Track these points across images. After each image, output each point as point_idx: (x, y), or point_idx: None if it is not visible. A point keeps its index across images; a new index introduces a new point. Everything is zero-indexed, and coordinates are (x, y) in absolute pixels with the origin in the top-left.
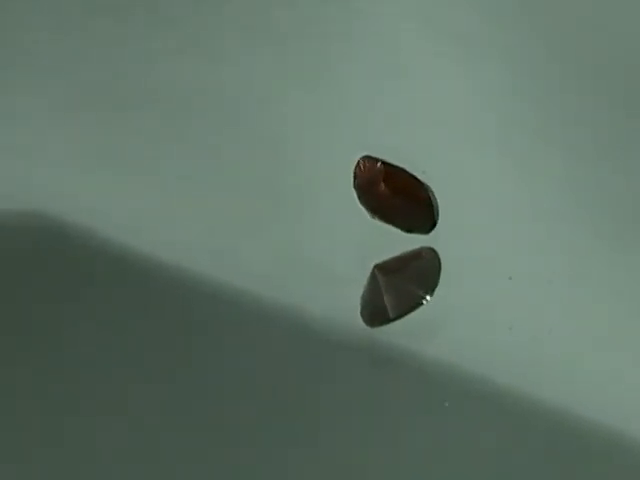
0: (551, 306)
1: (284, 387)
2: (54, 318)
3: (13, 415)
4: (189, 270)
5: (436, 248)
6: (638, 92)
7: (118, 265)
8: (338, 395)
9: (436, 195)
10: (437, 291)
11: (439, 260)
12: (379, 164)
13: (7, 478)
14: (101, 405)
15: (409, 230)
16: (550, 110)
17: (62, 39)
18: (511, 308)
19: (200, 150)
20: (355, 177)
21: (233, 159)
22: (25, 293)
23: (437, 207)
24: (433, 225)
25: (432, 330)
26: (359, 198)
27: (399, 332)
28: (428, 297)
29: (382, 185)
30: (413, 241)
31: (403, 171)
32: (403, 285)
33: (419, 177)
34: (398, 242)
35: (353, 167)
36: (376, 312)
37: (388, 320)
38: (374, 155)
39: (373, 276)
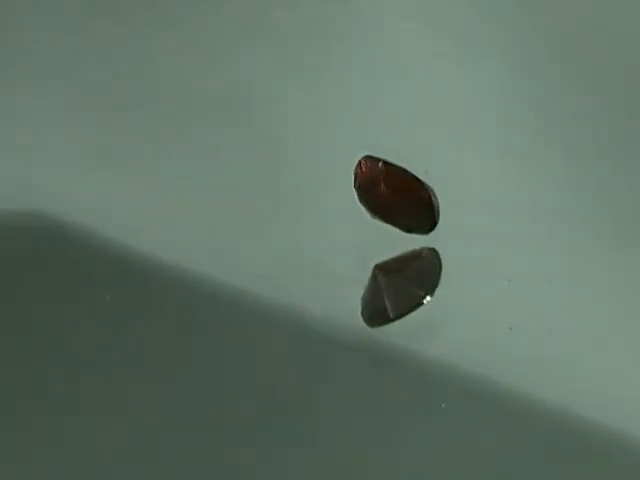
0: (551, 306)
1: (284, 387)
2: (54, 318)
3: (13, 415)
4: (189, 270)
5: (436, 248)
6: (638, 92)
7: (118, 265)
8: (338, 395)
9: (436, 195)
10: (437, 291)
11: (440, 260)
12: (380, 164)
13: (7, 478)
14: (101, 405)
15: (409, 230)
16: (550, 110)
17: (62, 39)
18: (511, 308)
19: (200, 150)
20: (356, 177)
21: (233, 159)
22: (25, 293)
23: (438, 207)
24: (433, 225)
25: (432, 330)
26: (359, 198)
27: (399, 332)
28: (428, 297)
29: (383, 185)
30: (413, 241)
31: (404, 171)
32: (403, 285)
33: (420, 177)
34: (398, 242)
35: (353, 167)
36: (376, 312)
37: (388, 320)
38: (374, 155)
39: (373, 276)
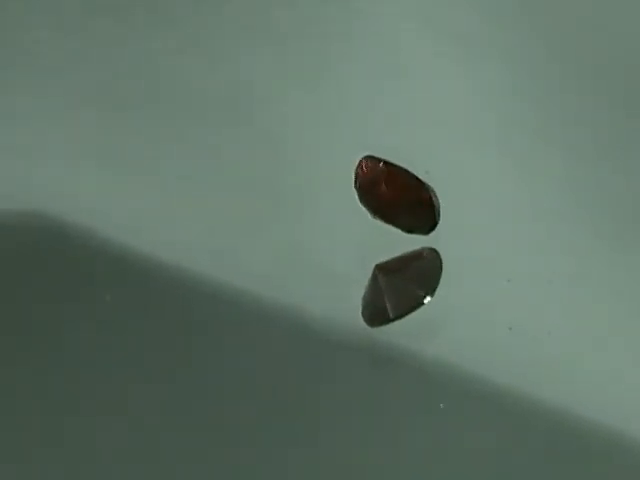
0: (551, 306)
1: (284, 387)
2: (54, 318)
3: (13, 415)
4: (189, 270)
5: (436, 248)
6: (638, 92)
7: (118, 265)
8: (338, 395)
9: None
10: (437, 291)
11: (440, 260)
12: (381, 164)
13: (7, 478)
14: (101, 405)
15: (409, 231)
16: (550, 110)
17: (62, 39)
18: (511, 308)
19: (200, 150)
20: (356, 177)
21: (233, 159)
22: (25, 293)
23: (438, 208)
24: (434, 226)
25: (432, 330)
26: (360, 198)
27: (399, 332)
28: (429, 298)
29: (383, 185)
30: (414, 241)
31: (405, 171)
32: (404, 285)
33: (421, 178)
34: (399, 242)
35: (353, 167)
36: (376, 312)
37: (388, 320)
38: (374, 155)
39: (374, 276)
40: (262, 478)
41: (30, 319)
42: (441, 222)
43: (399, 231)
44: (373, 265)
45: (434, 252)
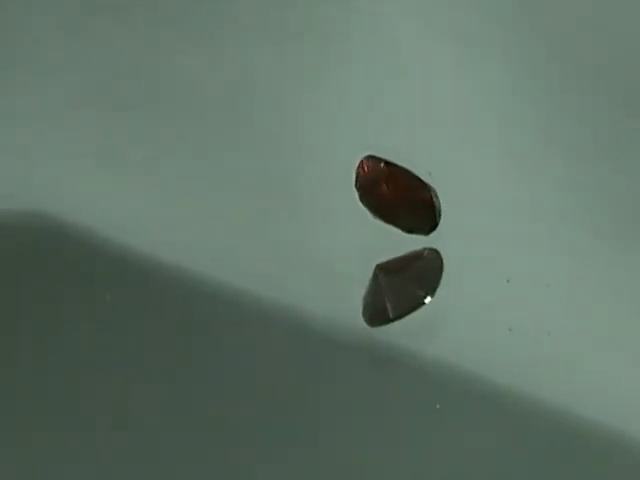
0: (551, 306)
1: (284, 387)
2: (54, 318)
3: (13, 415)
4: (189, 270)
5: (437, 248)
6: (638, 92)
7: (118, 265)
8: (338, 395)
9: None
10: (437, 291)
11: (441, 261)
12: (382, 164)
13: (7, 478)
14: (101, 405)
15: (410, 231)
16: (550, 110)
17: (62, 39)
18: (511, 308)
19: (200, 150)
20: (357, 177)
21: (233, 159)
22: (25, 293)
23: (439, 209)
24: (434, 226)
25: (432, 330)
26: (361, 198)
27: (399, 332)
28: (429, 298)
29: (384, 185)
30: (415, 241)
31: (406, 171)
32: (404, 285)
33: (423, 178)
34: (400, 242)
35: (354, 167)
36: (377, 312)
37: (388, 320)
38: (375, 155)
39: (374, 276)
40: (262, 478)
41: (30, 319)
42: (441, 222)
43: (400, 231)
44: (374, 265)
45: (435, 252)
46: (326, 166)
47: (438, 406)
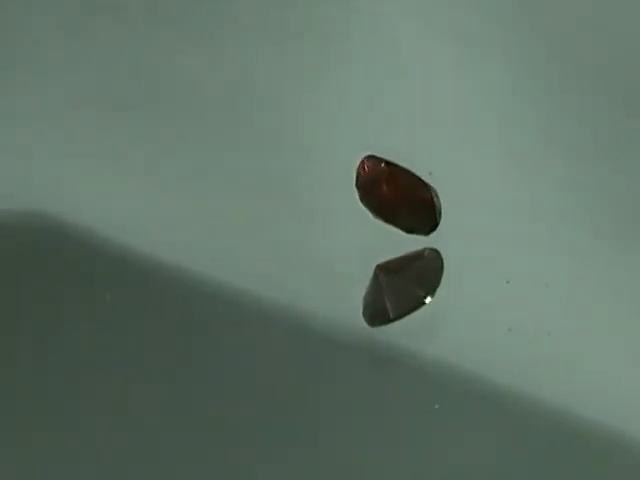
0: (551, 306)
1: (284, 387)
2: (54, 318)
3: (13, 415)
4: (189, 270)
5: (437, 248)
6: (638, 92)
7: (118, 265)
8: (338, 395)
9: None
10: (437, 291)
11: (442, 261)
12: (383, 164)
13: (7, 478)
14: (101, 405)
15: (410, 231)
16: (550, 110)
17: (62, 39)
18: (511, 308)
19: (200, 150)
20: (358, 177)
21: (233, 159)
22: (25, 293)
23: (440, 209)
24: (434, 227)
25: (432, 330)
26: (361, 198)
27: (399, 332)
28: (429, 298)
29: (384, 185)
30: (415, 241)
31: (406, 171)
32: (404, 285)
33: (424, 178)
34: (400, 242)
35: (354, 167)
36: (377, 312)
37: (389, 320)
38: (375, 155)
39: (375, 276)
40: (262, 478)
41: (30, 319)
42: (441, 222)
43: (400, 231)
44: (374, 265)
45: (435, 252)
46: (326, 166)
47: (438, 406)
